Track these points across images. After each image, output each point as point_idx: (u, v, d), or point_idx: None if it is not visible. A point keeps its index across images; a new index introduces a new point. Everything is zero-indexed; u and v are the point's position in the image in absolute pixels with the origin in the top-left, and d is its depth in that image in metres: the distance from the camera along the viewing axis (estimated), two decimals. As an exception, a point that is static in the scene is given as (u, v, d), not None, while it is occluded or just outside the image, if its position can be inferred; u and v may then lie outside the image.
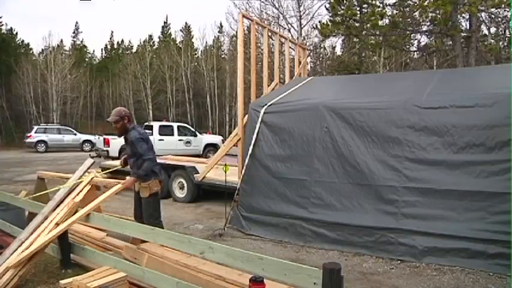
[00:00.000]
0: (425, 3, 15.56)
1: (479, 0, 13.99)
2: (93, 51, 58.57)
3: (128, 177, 5.22)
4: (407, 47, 23.20)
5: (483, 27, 21.70)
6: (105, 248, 5.04)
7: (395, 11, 18.62)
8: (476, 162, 5.24)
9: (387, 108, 5.92)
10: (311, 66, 32.11)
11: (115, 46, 58.82)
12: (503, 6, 14.99)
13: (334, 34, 18.81)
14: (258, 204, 6.68)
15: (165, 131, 18.41)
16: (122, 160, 5.45)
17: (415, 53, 25.32)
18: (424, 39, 23.93)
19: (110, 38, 59.20)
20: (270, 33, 9.66)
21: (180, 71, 44.07)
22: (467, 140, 5.32)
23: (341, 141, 6.08)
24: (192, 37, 51.89)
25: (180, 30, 53.20)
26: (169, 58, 43.77)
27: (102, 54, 59.29)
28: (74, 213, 4.72)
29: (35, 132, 26.89)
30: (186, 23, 57.62)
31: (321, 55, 33.91)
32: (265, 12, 25.47)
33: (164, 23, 55.32)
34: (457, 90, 5.97)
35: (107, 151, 16.70)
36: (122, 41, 58.53)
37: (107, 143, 16.90)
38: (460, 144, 5.35)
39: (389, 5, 18.76)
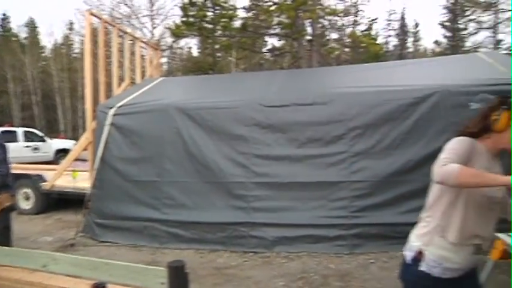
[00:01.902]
0: (271, 8, 16.45)
1: (316, 8, 15.21)
2: None
3: None
4: (260, 48, 24.24)
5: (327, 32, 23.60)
6: None
7: (248, 14, 19.35)
8: (316, 155, 5.71)
9: (234, 107, 6.13)
10: (167, 67, 31.80)
11: None
12: (338, 15, 16.54)
13: (186, 35, 18.91)
14: (110, 209, 6.43)
15: (8, 137, 16.68)
16: None
17: (268, 54, 26.60)
18: (275, 42, 25.27)
19: None
20: (120, 33, 9.36)
21: (25, 70, 40.43)
22: (307, 136, 5.77)
23: (191, 141, 6.15)
24: (38, 34, 47.90)
25: (25, 25, 48.77)
26: (11, 56, 39.84)
27: None
28: None
29: None
30: (30, 17, 53.11)
31: (177, 55, 33.83)
32: (117, 11, 24.62)
33: (3, 15, 50.20)
34: (298, 90, 6.44)
35: None
36: (-49, 36, 51.85)
37: None
38: (301, 140, 5.78)
39: (242, 8, 19.44)
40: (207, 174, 6.00)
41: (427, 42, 51.18)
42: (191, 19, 18.55)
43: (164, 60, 29.66)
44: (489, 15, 28.75)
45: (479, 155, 2.13)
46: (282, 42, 24.15)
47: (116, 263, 3.09)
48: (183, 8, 18.92)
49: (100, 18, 8.53)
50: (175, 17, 29.70)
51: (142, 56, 10.60)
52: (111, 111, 6.73)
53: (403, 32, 41.30)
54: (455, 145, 2.09)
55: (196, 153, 6.10)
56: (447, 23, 35.36)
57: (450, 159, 1.99)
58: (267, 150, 5.86)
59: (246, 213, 5.75)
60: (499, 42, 29.95)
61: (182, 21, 19.30)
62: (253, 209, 5.74)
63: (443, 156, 2.03)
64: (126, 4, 23.88)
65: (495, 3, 27.19)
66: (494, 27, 29.71)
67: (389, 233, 5.23)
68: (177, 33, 18.46)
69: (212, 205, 5.91)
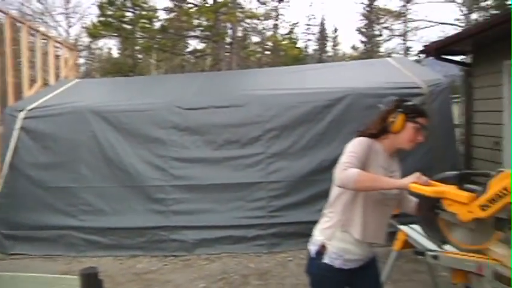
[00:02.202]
0: (192, 10, 16.41)
1: (236, 11, 15.43)
2: None
3: None
4: (182, 50, 24.05)
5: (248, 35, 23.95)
6: None
7: (170, 15, 19.13)
8: (233, 157, 5.80)
9: (152, 110, 6.06)
10: (85, 68, 30.67)
11: None
12: (259, 18, 16.86)
13: (104, 35, 18.33)
14: (22, 219, 6.05)
15: None
16: None
17: (189, 56, 26.45)
18: (197, 44, 25.19)
19: None
20: (31, 31, 8.88)
21: None
22: (225, 138, 5.84)
23: (107, 145, 5.99)
24: None
25: None
26: None
27: None
28: None
29: None
30: None
31: (96, 56, 32.74)
32: (28, 7, 23.31)
33: None
34: (216, 92, 6.50)
35: None
36: None
37: None
38: (219, 142, 5.84)
39: (163, 9, 19.16)
40: (125, 178, 5.89)
41: (345, 47, 53.43)
42: (109, 19, 17.99)
43: (81, 61, 28.60)
44: (399, 23, 30.93)
45: (377, 154, 2.31)
46: (204, 44, 24.16)
47: (24, 275, 2.94)
48: (101, 7, 18.30)
49: (6, 13, 8.04)
50: (93, 15, 28.75)
51: (56, 56, 10.15)
52: (21, 115, 6.37)
53: (322, 36, 42.77)
54: (355, 148, 2.24)
55: (113, 157, 5.96)
56: (363, 29, 37.15)
57: (350, 163, 2.14)
58: (185, 152, 5.86)
59: (166, 217, 5.71)
60: (408, 48, 32.17)
61: (99, 21, 18.65)
62: (172, 212, 5.72)
63: (343, 160, 2.18)
64: (38, 0, 22.67)
65: (404, 13, 29.37)
66: (404, 35, 31.79)
67: (306, 231, 5.30)
68: (94, 33, 17.83)
69: (131, 210, 5.81)
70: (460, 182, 2.07)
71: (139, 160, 5.90)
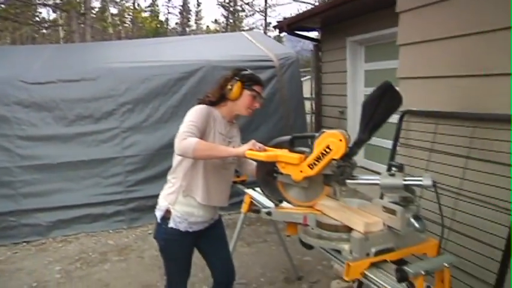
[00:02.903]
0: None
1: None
2: None
3: None
4: (30, 19, 21.94)
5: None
6: None
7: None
8: (87, 133, 5.58)
9: None
10: None
11: None
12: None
13: None
14: None
15: None
16: None
17: (39, 26, 24.28)
18: (49, 13, 23.27)
19: None
20: None
21: None
22: (76, 113, 5.57)
23: None
24: None
25: None
26: None
27: None
28: None
29: None
30: None
31: None
32: None
33: None
34: (65, 65, 6.13)
35: None
36: None
37: None
38: (70, 118, 5.56)
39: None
40: (-37, 163, 5.29)
41: (208, 21, 53.50)
42: None
43: None
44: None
45: (216, 121, 2.43)
46: (57, 14, 22.37)
47: None
48: None
49: None
50: None
51: None
52: None
53: (185, 10, 42.37)
54: (194, 117, 2.33)
55: None
56: (226, 4, 37.56)
57: (189, 132, 2.23)
58: (32, 130, 5.45)
59: (15, 201, 5.28)
60: (268, 24, 33.58)
61: None
62: (22, 196, 5.31)
63: (183, 129, 2.26)
64: None
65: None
66: (264, 11, 33.02)
67: (165, 203, 5.47)
68: None
69: (-28, 198, 5.25)
70: (292, 145, 2.24)
71: (-21, 141, 5.34)
